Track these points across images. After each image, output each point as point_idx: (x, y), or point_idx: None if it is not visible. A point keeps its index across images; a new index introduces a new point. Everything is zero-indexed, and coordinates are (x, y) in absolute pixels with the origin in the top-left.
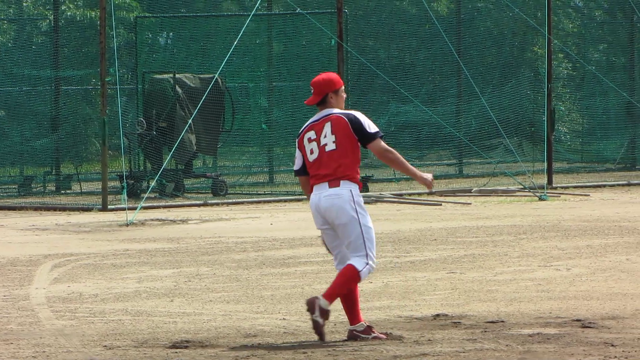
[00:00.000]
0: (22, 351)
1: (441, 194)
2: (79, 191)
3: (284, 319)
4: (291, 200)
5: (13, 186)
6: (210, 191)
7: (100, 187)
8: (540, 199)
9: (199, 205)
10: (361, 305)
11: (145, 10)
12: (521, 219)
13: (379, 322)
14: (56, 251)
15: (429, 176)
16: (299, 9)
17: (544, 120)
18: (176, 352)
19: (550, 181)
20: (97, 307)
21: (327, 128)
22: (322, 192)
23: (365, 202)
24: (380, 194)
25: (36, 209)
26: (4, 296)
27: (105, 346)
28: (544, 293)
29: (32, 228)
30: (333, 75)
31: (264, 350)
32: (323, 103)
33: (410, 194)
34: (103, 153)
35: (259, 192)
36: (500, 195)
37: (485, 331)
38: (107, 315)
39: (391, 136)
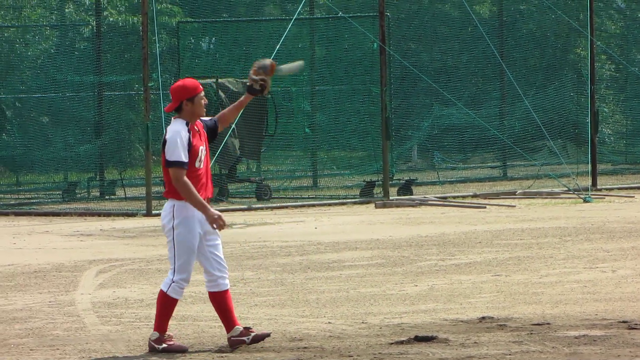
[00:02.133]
0: (68, 357)
1: (485, 196)
2: (123, 196)
3: (329, 322)
4: (335, 204)
5: (57, 192)
6: (254, 195)
7: (144, 192)
8: (585, 200)
9: (243, 210)
10: (407, 308)
11: (188, 16)
12: (566, 221)
13: (425, 325)
14: (101, 257)
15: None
16: (341, 13)
17: (588, 122)
18: (222, 357)
19: (594, 183)
20: (142, 312)
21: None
22: None
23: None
24: (424, 197)
25: (80, 214)
26: (50, 302)
27: (152, 351)
28: (590, 295)
29: (77, 234)
30: (188, 82)
31: (310, 353)
32: (179, 110)
33: (454, 197)
34: (147, 158)
35: (303, 196)
36: (545, 198)
37: (531, 333)
38: (153, 321)
39: (435, 139)
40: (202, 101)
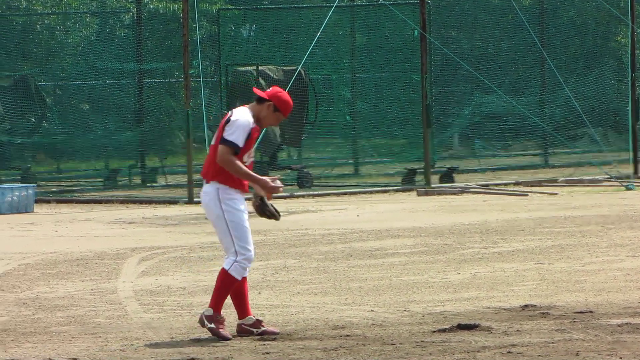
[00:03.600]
0: (110, 344)
1: (527, 184)
2: (165, 184)
3: (372, 310)
4: (377, 192)
5: (98, 179)
6: (295, 183)
7: (185, 180)
8: (627, 188)
9: (284, 197)
10: (450, 296)
11: (228, 3)
12: (609, 208)
13: (467, 313)
14: (143, 244)
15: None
16: (381, 0)
17: (629, 110)
18: (264, 345)
19: (636, 171)
20: (184, 300)
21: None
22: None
23: (450, 193)
24: (466, 185)
25: (122, 202)
26: (92, 290)
27: (193, 339)
28: (633, 283)
29: (119, 221)
30: (290, 101)
31: (352, 341)
32: (260, 102)
33: (496, 185)
34: (188, 146)
35: (345, 184)
36: (587, 185)
37: (574, 321)
38: (195, 308)
39: (476, 126)
40: (277, 120)
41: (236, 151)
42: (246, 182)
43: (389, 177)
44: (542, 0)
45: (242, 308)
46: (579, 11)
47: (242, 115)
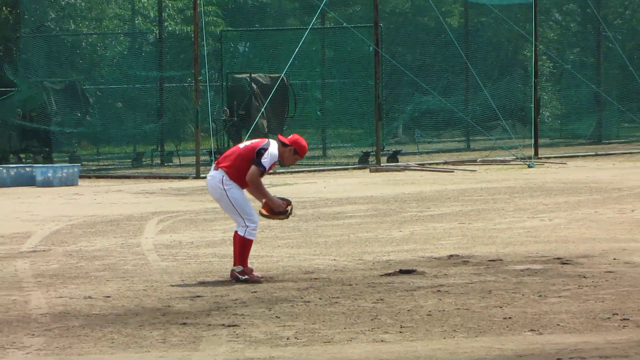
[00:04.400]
0: (136, 285)
1: (453, 163)
2: (179, 164)
3: (334, 259)
4: (340, 169)
5: (128, 160)
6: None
7: (194, 160)
8: (529, 166)
9: (270, 174)
10: (394, 248)
11: (229, 26)
12: (514, 181)
13: (407, 261)
14: (161, 209)
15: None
16: (345, 24)
17: (532, 107)
18: (253, 285)
19: (536, 153)
20: (192, 252)
21: None
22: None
23: (395, 170)
24: (407, 164)
25: (146, 177)
26: (122, 244)
27: (199, 281)
28: (532, 238)
29: (143, 192)
30: (306, 146)
31: (319, 283)
32: (284, 146)
33: (430, 164)
34: (196, 134)
35: (315, 164)
36: (499, 164)
37: (488, 267)
38: (201, 258)
39: (415, 120)
40: (295, 160)
41: (264, 172)
42: (247, 186)
43: (348, 158)
44: (467, 24)
45: (236, 257)
46: (495, 32)
47: (274, 150)
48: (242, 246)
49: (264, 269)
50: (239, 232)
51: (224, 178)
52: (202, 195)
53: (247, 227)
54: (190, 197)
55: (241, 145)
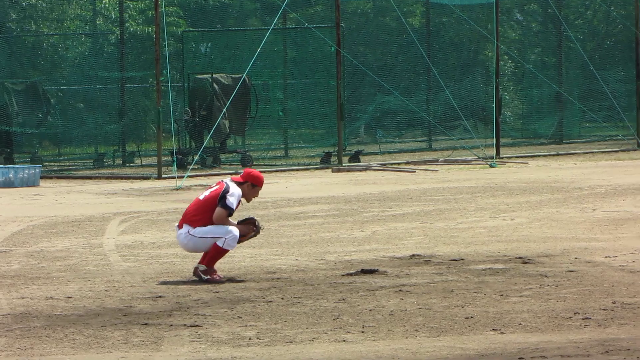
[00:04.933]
0: (97, 286)
1: (415, 163)
2: (140, 164)
3: (296, 259)
4: (301, 170)
5: (89, 161)
6: (239, 163)
7: (156, 161)
8: (491, 166)
9: (231, 174)
10: (356, 248)
11: (190, 26)
12: (476, 181)
13: (369, 261)
14: (122, 210)
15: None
16: (307, 24)
17: (493, 107)
18: (215, 286)
19: (498, 152)
20: (154, 252)
21: None
22: None
23: (357, 170)
24: (369, 164)
25: (107, 178)
26: (83, 244)
27: (161, 281)
28: (494, 237)
29: (104, 192)
30: (261, 177)
31: (281, 283)
32: (240, 185)
33: (392, 164)
34: (158, 135)
35: (277, 164)
36: (461, 164)
37: (449, 267)
38: (162, 258)
39: (377, 120)
40: (256, 193)
41: (232, 213)
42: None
43: (310, 158)
44: (428, 24)
45: (204, 257)
46: (457, 32)
47: (236, 189)
48: (216, 252)
49: (226, 269)
50: (217, 243)
51: (189, 230)
52: (164, 196)
53: (226, 238)
54: (152, 198)
55: (201, 197)
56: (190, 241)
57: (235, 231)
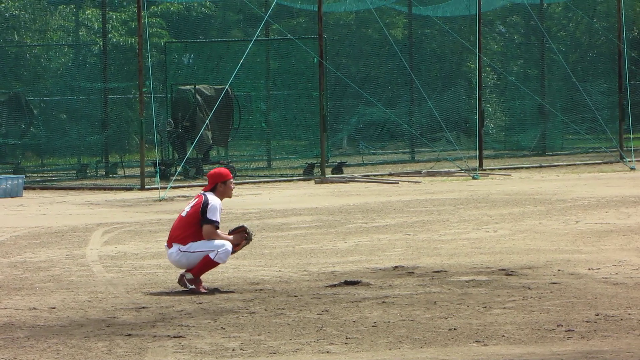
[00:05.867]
0: (81, 297)
1: (398, 175)
2: (123, 175)
3: (279, 271)
4: (284, 181)
5: (72, 172)
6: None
7: (139, 172)
8: (474, 178)
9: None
10: (339, 259)
11: (173, 37)
12: (459, 193)
13: (352, 272)
14: (106, 221)
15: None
16: (289, 35)
17: (476, 119)
18: (198, 297)
19: (480, 164)
20: (137, 263)
21: None
22: None
23: (340, 182)
24: (352, 175)
25: (90, 189)
26: (66, 255)
27: (144, 292)
28: (477, 249)
29: (87, 203)
30: (223, 170)
31: (264, 294)
32: (214, 190)
33: (375, 175)
34: (141, 146)
35: (260, 175)
36: (443, 176)
37: (433, 278)
38: (146, 269)
39: (360, 131)
40: (231, 187)
41: (218, 226)
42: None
43: (293, 170)
44: (411, 35)
45: (194, 269)
46: (439, 43)
47: (214, 200)
48: (205, 263)
49: (209, 279)
50: (209, 255)
51: (180, 247)
52: (147, 207)
53: (218, 251)
54: (135, 209)
55: (183, 214)
56: (182, 257)
57: (229, 245)
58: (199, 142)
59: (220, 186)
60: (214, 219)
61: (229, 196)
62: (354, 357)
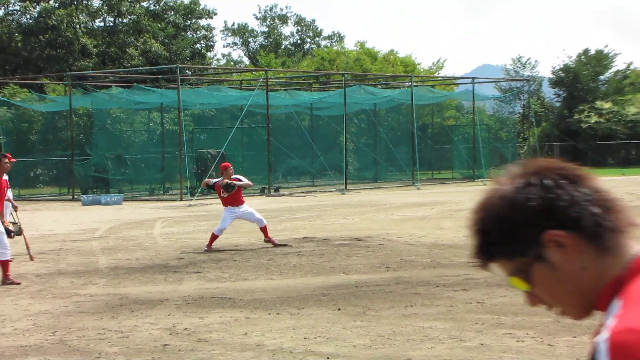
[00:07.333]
0: (151, 253)
1: (306, 193)
2: (171, 193)
3: (248, 240)
4: (250, 196)
5: (146, 192)
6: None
7: (179, 191)
8: (342, 193)
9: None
10: (276, 234)
11: (195, 125)
12: (335, 201)
13: (283, 239)
14: (163, 215)
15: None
16: (252, 125)
17: (344, 164)
18: (208, 253)
19: (345, 187)
20: (179, 237)
21: None
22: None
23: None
24: (284, 193)
25: (155, 200)
26: (144, 233)
27: (182, 252)
28: (344, 228)
29: (154, 207)
30: (225, 164)
31: (241, 251)
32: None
33: (295, 193)
34: (180, 179)
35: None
36: (328, 192)
37: (322, 243)
38: (183, 240)
39: (288, 171)
40: (230, 173)
41: (208, 184)
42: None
43: (255, 190)
44: (312, 124)
45: (265, 235)
46: (327, 128)
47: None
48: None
49: (214, 245)
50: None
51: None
52: (184, 209)
53: (215, 229)
54: (177, 210)
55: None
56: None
57: (223, 225)
58: (208, 178)
59: (224, 173)
60: (213, 181)
61: (230, 178)
62: (284, 280)
